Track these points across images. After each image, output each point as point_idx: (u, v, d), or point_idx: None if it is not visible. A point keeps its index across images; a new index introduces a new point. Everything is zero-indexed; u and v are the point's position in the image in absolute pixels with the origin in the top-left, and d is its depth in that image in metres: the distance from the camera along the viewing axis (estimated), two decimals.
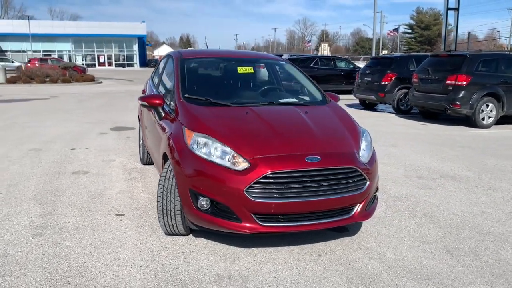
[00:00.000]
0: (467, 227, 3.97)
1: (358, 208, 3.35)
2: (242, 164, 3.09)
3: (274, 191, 3.04)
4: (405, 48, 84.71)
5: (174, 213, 3.37)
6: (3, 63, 34.97)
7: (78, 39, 56.70)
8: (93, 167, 5.81)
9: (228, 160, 3.12)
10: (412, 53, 17.83)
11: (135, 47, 60.17)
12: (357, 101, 14.59)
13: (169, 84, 4.41)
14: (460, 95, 9.87)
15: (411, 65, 12.58)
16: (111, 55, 59.22)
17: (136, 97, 14.61)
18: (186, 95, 3.90)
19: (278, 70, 4.94)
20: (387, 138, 8.48)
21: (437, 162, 6.45)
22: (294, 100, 4.25)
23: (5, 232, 3.65)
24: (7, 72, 25.25)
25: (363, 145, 3.56)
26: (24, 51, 51.69)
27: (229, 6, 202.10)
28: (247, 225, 3.09)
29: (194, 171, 3.18)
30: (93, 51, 58.71)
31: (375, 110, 13.79)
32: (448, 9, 18.06)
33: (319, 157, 3.16)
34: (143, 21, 60.75)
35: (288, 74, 4.87)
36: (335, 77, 18.36)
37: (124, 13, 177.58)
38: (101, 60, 58.63)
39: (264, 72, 4.93)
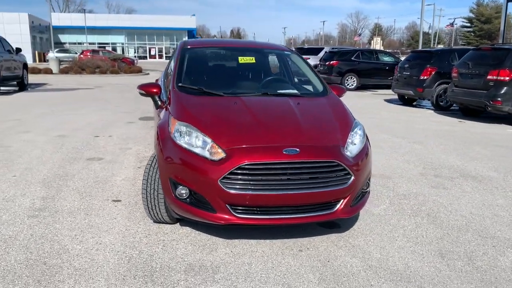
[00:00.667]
0: (470, 229, 3.72)
1: (341, 203, 3.22)
2: (219, 154, 3.05)
3: (249, 182, 2.97)
4: (463, 43, 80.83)
5: (158, 201, 3.38)
6: (66, 54, 36.87)
7: (131, 32, 58.59)
8: (108, 154, 5.97)
9: (207, 150, 3.08)
10: (455, 47, 16.96)
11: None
12: (396, 96, 14.08)
13: (171, 73, 4.43)
14: (502, 91, 9.27)
15: (452, 59, 11.96)
16: (162, 48, 60.71)
17: None
18: (179, 84, 3.90)
19: (282, 60, 4.83)
20: (416, 134, 8.13)
21: (462, 161, 6.10)
22: (291, 91, 4.15)
23: (4, 212, 3.82)
24: (66, 62, 26.59)
25: (352, 139, 3.41)
26: (80, 43, 54.03)
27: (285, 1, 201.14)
28: (222, 216, 3.04)
29: (173, 160, 3.17)
30: (145, 44, 60.47)
31: (414, 106, 13.26)
32: (509, 0, 16.89)
33: (297, 149, 3.06)
34: (193, 15, 61.80)
35: (292, 64, 4.75)
36: (377, 71, 17.83)
37: (177, 6, 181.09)
38: (152, 53, 60.29)
39: (266, 62, 4.84)
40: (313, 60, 19.86)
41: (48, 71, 24.66)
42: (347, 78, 17.74)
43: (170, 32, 59.77)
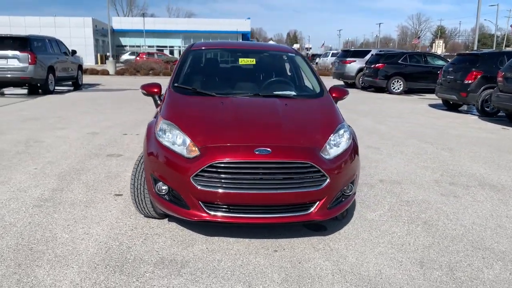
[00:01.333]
0: (465, 239, 3.56)
1: (317, 205, 3.19)
2: (194, 152, 3.13)
3: (220, 180, 3.03)
4: None
5: (144, 196, 3.52)
6: (131, 57, 38.78)
7: (187, 35, 60.22)
8: (128, 151, 6.24)
9: (185, 148, 3.18)
10: (506, 49, 15.97)
11: None
12: (441, 101, 13.52)
13: None
14: None
15: (502, 62, 11.31)
16: None
17: None
18: (175, 84, 4.04)
19: (284, 62, 4.84)
20: (448, 141, 7.79)
21: (487, 170, 5.80)
22: (286, 92, 4.15)
23: (13, 201, 4.12)
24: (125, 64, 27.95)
25: (334, 141, 3.37)
26: (139, 46, 56.29)
27: (340, 0, 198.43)
28: (195, 212, 3.12)
29: (155, 156, 3.29)
30: None
31: (459, 111, 12.66)
32: None
33: (269, 149, 3.07)
34: (248, 18, 62.49)
35: (294, 66, 4.75)
36: (426, 74, 17.16)
37: (236, 9, 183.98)
38: None
39: (268, 64, 4.87)
40: (359, 63, 19.52)
41: (105, 72, 26.00)
42: (393, 81, 17.26)
43: (225, 35, 60.77)
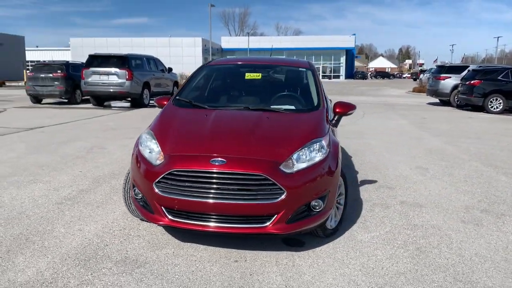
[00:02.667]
0: (450, 270, 3.24)
1: (274, 219, 3.17)
2: (160, 160, 3.34)
3: (177, 187, 3.19)
4: None
5: (131, 200, 3.81)
6: None
7: (291, 53, 61.35)
8: None
9: (155, 156, 3.40)
10: None
11: (343, 59, 61.75)
12: None
13: None
14: None
15: None
16: (319, 67, 62.00)
17: None
18: (177, 97, 4.30)
19: (293, 76, 4.84)
20: None
21: None
22: (280, 106, 4.15)
23: (43, 198, 4.70)
24: None
25: (301, 155, 3.32)
26: None
27: (459, 14, 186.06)
28: (158, 217, 3.31)
29: (133, 163, 3.57)
30: None
31: None
32: None
33: (225, 160, 3.15)
34: (354, 34, 61.70)
35: (303, 80, 4.73)
36: None
37: (345, 26, 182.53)
38: None
39: (275, 78, 4.90)
40: (454, 80, 18.23)
41: None
42: (491, 99, 15.79)
43: (328, 52, 60.85)
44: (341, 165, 3.75)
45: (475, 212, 4.57)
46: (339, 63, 62.51)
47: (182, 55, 50.84)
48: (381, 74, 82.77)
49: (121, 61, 15.66)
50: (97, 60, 15.98)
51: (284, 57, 5.69)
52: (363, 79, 65.30)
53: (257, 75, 4.63)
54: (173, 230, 3.73)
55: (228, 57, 5.29)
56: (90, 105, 16.36)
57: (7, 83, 32.63)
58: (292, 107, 4.12)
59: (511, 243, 3.77)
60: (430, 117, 14.07)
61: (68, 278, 2.99)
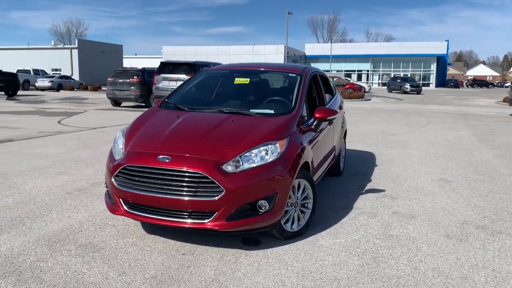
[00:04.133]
0: (390, 282, 3.14)
1: (215, 216, 3.32)
2: (121, 156, 3.65)
3: (129, 181, 3.48)
4: None
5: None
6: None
7: (376, 59, 59.71)
8: None
9: (118, 152, 3.73)
10: None
11: (433, 67, 58.66)
12: None
13: None
14: None
15: None
16: (407, 74, 59.48)
17: (392, 115, 15.07)
18: (166, 100, 4.61)
19: (278, 82, 4.90)
20: None
21: None
22: (254, 110, 4.23)
23: (58, 188, 5.27)
24: None
25: (248, 156, 3.43)
26: (328, 71, 58.22)
27: None
28: (117, 208, 3.62)
29: (108, 159, 3.93)
30: (390, 71, 60.49)
31: None
32: None
33: (169, 158, 3.37)
34: (446, 40, 58.30)
35: (286, 86, 4.78)
36: None
37: (445, 31, 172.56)
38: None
39: (261, 84, 4.98)
40: None
41: None
42: None
43: (417, 59, 58.17)
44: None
45: (469, 227, 4.29)
46: (430, 71, 59.43)
47: (264, 61, 51.81)
48: (478, 82, 77.04)
49: (188, 68, 16.55)
50: (168, 67, 17.05)
51: (282, 63, 5.74)
52: (456, 87, 61.34)
53: (245, 80, 4.79)
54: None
55: (242, 62, 5.45)
56: None
57: (103, 88, 35.78)
58: (270, 111, 4.21)
59: (484, 261, 3.51)
60: (502, 129, 13.00)
61: (29, 255, 3.40)
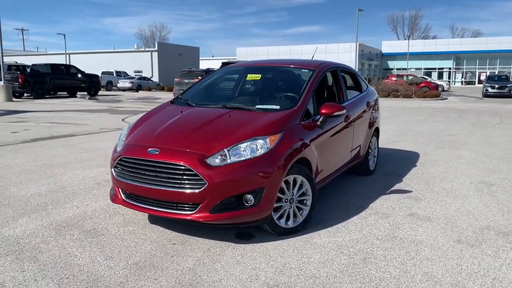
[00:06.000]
0: (370, 284, 3.01)
1: (199, 208, 3.39)
2: (121, 148, 3.86)
3: (124, 172, 3.66)
4: None
5: None
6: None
7: (460, 56, 56.15)
8: None
9: (120, 144, 3.94)
10: None
11: None
12: None
13: None
14: None
15: None
16: (494, 72, 55.24)
17: (462, 115, 14.37)
18: (180, 96, 4.77)
19: (289, 77, 4.82)
20: None
21: None
22: (261, 106, 4.24)
23: (91, 179, 5.66)
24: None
25: (236, 150, 3.46)
26: (404, 69, 55.85)
27: None
28: (117, 197, 3.83)
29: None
30: (475, 68, 56.56)
31: None
32: None
33: (158, 150, 3.50)
34: None
35: (296, 81, 4.69)
36: None
37: None
38: (482, 78, 55.59)
39: (272, 80, 4.92)
40: None
41: None
42: None
43: (506, 55, 53.72)
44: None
45: (489, 233, 3.96)
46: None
47: (337, 60, 50.86)
48: None
49: None
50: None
51: (301, 59, 5.62)
52: None
53: (257, 76, 4.80)
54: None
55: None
56: None
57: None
58: (276, 107, 4.19)
59: (487, 269, 3.24)
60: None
61: (36, 237, 3.71)
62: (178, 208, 3.48)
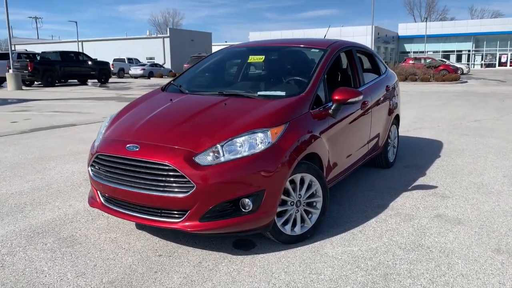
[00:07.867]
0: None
1: (187, 215, 2.84)
2: (98, 143, 3.31)
3: (101, 172, 3.12)
4: None
5: None
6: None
7: (479, 38, 54.32)
8: None
9: (97, 139, 3.40)
10: None
11: None
12: None
13: None
14: None
15: None
16: (502, 55, 53.42)
17: (484, 98, 13.63)
18: (172, 82, 4.20)
19: (297, 59, 4.18)
20: None
21: None
22: (264, 93, 3.66)
23: (81, 174, 5.16)
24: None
25: (229, 146, 2.89)
26: (422, 52, 54.29)
27: None
28: (95, 201, 3.30)
29: None
30: (495, 50, 54.70)
31: None
32: None
33: (138, 146, 2.94)
34: None
35: (305, 63, 4.05)
36: None
37: None
38: (503, 60, 53.82)
39: (278, 61, 4.29)
40: None
41: None
42: None
43: None
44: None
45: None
46: None
47: None
48: None
49: None
50: None
51: (311, 38, 4.99)
52: None
53: (259, 58, 4.19)
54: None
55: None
56: None
57: None
58: (281, 93, 3.59)
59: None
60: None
61: (4, 246, 3.22)
62: (163, 215, 2.93)
